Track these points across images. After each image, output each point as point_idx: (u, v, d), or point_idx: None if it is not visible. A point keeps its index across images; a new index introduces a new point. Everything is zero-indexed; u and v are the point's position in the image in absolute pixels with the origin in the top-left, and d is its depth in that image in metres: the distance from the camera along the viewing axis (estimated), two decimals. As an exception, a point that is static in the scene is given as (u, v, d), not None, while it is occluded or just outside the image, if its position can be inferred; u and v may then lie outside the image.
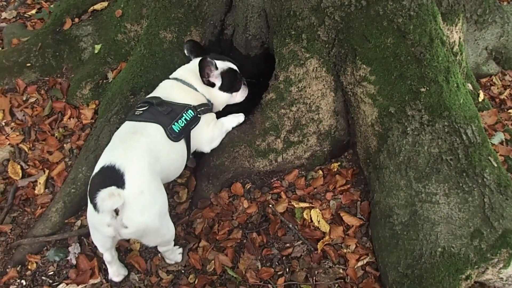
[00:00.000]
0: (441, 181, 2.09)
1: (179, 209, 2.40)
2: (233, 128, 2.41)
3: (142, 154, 1.90)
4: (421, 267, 2.01)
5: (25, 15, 3.61)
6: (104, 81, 2.66)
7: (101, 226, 1.79)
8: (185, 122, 2.10)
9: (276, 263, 2.23)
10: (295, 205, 2.39)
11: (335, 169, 2.54)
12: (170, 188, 2.48)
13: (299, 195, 2.45)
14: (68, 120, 2.63)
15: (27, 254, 2.19)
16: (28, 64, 2.80)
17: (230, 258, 2.22)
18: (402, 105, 2.15)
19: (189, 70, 2.28)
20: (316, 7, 2.25)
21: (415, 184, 2.13)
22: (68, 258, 2.20)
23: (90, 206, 1.78)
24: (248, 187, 2.49)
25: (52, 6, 3.56)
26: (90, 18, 2.90)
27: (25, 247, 2.20)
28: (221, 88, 2.34)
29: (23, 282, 2.13)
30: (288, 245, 2.29)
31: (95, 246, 2.23)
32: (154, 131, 2.01)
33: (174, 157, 2.10)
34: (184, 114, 2.11)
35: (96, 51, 2.75)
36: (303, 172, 2.54)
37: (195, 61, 2.25)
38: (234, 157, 2.42)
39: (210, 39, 2.70)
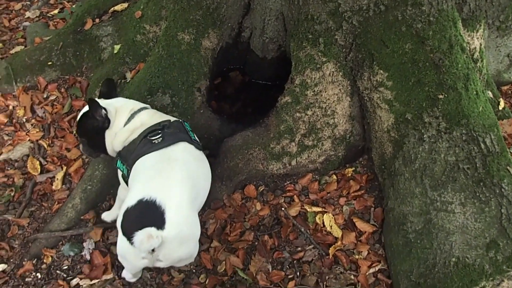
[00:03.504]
0: (457, 190, 2.05)
1: (192, 209, 2.42)
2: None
3: (181, 185, 1.85)
4: (434, 276, 1.98)
5: (48, 14, 3.70)
6: (123, 80, 2.70)
7: (134, 259, 1.78)
8: (191, 131, 2.11)
9: (287, 266, 2.22)
10: (308, 209, 2.38)
11: (349, 174, 2.52)
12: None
13: (312, 199, 2.45)
14: (87, 118, 2.68)
15: (43, 248, 2.24)
16: (50, 63, 2.86)
17: (242, 259, 2.23)
18: (419, 111, 2.13)
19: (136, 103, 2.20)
20: (334, 11, 2.24)
21: (430, 192, 2.10)
22: (83, 253, 2.24)
23: (123, 238, 1.73)
24: (261, 189, 2.49)
25: (74, 6, 3.64)
26: (110, 18, 2.95)
27: (41, 241, 2.24)
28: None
29: (38, 275, 2.18)
30: (299, 249, 2.28)
31: (110, 243, 2.27)
32: (183, 150, 1.98)
33: (206, 173, 2.08)
34: (186, 126, 2.11)
35: (115, 51, 2.79)
36: (316, 176, 2.53)
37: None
38: (248, 159, 2.42)
39: (227, 42, 2.72)
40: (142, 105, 2.17)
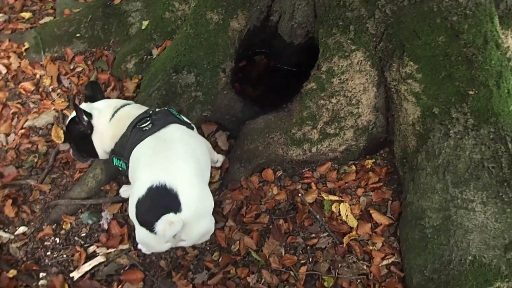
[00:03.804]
0: (479, 188, 2.02)
1: (210, 188, 2.44)
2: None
3: (185, 162, 1.83)
4: (449, 273, 1.97)
5: (79, -13, 3.72)
6: (149, 57, 2.71)
7: (157, 245, 1.80)
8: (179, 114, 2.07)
9: (300, 251, 2.23)
10: (325, 197, 2.38)
11: (369, 166, 2.50)
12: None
13: (330, 187, 2.44)
14: (111, 91, 2.71)
15: (63, 214, 2.29)
16: (78, 35, 2.89)
17: (255, 241, 2.25)
18: (447, 106, 2.09)
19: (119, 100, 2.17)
20: (367, -1, 2.21)
21: (451, 189, 2.07)
22: (101, 222, 2.28)
23: (141, 228, 1.72)
24: (279, 174, 2.49)
25: (104, -20, 3.64)
26: (140, -6, 2.96)
27: (61, 207, 2.30)
28: None
29: (57, 240, 2.23)
30: (313, 235, 2.28)
31: (127, 214, 2.31)
32: (176, 130, 1.96)
33: (204, 150, 2.05)
34: (172, 111, 2.07)
35: (143, 27, 2.80)
36: (335, 165, 2.52)
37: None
38: (268, 143, 2.42)
39: (255, 24, 2.70)
40: (126, 102, 2.13)
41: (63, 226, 2.27)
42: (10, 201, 2.31)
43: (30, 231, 2.25)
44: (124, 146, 1.93)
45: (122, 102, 2.12)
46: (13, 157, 2.49)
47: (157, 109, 2.03)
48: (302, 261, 2.19)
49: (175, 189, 1.69)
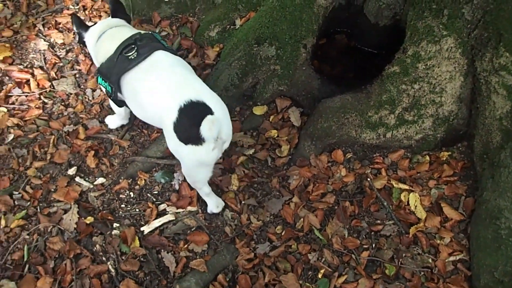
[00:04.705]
0: None
1: (278, 162, 2.47)
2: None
3: (193, 77, 2.01)
4: (522, 278, 1.88)
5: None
6: (232, 26, 2.74)
7: (207, 155, 1.90)
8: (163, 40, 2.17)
9: (364, 236, 2.22)
10: (394, 185, 2.33)
11: (444, 158, 2.41)
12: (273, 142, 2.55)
13: (400, 176, 2.38)
14: (193, 58, 2.77)
15: (138, 170, 2.41)
16: (166, 0, 2.96)
17: (319, 220, 2.26)
18: (543, 103, 1.95)
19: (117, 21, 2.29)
20: (467, -17, 2.09)
21: (536, 191, 1.95)
22: (172, 182, 2.38)
23: (188, 147, 1.86)
24: (348, 156, 2.47)
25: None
26: (230, -35, 2.97)
27: (138, 163, 2.42)
28: None
29: (131, 194, 2.36)
30: (378, 221, 2.25)
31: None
32: (164, 55, 2.04)
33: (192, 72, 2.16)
34: (156, 36, 2.15)
35: (229, -4, 2.83)
36: (408, 154, 2.45)
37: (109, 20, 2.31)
38: (343, 123, 2.39)
39: (340, 2, 2.64)
40: (115, 24, 2.24)
41: (138, 182, 2.39)
42: (92, 152, 2.46)
43: (108, 183, 2.39)
44: (111, 71, 2.05)
45: (111, 24, 2.23)
46: (98, 111, 2.64)
47: (142, 32, 2.13)
48: (365, 246, 2.18)
49: (201, 99, 1.86)
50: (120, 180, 2.40)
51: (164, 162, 2.41)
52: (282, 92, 2.62)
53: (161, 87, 1.96)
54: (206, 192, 2.21)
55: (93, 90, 2.74)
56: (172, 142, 1.92)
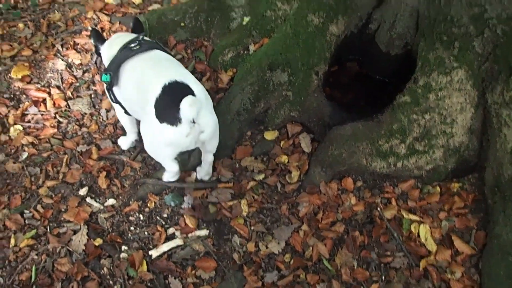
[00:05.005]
0: None
1: (288, 188, 2.47)
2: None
3: (183, 69, 2.18)
4: (536, 317, 1.84)
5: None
6: (245, 52, 2.78)
7: (180, 138, 1.96)
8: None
9: (373, 267, 2.19)
10: (404, 215, 2.31)
11: (455, 189, 2.38)
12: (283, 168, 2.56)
13: (410, 206, 2.36)
14: (206, 81, 2.82)
15: (149, 192, 2.42)
16: (182, 24, 3.02)
17: (328, 249, 2.24)
18: (556, 139, 1.94)
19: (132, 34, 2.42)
20: (478, 17, 2.11)
21: (549, 228, 1.92)
22: (182, 206, 2.39)
23: (162, 125, 1.92)
24: (359, 184, 2.46)
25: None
26: (246, -9, 3.03)
27: (148, 186, 2.43)
28: None
29: (141, 216, 2.37)
30: (388, 253, 2.23)
31: (208, 201, 2.39)
32: (161, 52, 2.26)
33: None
34: (158, 43, 2.38)
35: (243, 23, 2.88)
36: (419, 184, 2.43)
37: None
38: (353, 151, 2.39)
39: (352, 31, 2.67)
40: (126, 36, 2.39)
41: (148, 204, 2.40)
42: (104, 173, 2.48)
43: (118, 204, 2.41)
44: (113, 62, 2.24)
45: (125, 36, 2.39)
46: (111, 132, 2.68)
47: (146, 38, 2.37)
48: (374, 278, 2.15)
49: (186, 82, 1.99)
50: (131, 202, 2.41)
51: (174, 185, 2.43)
52: (294, 118, 2.64)
53: (153, 69, 2.13)
54: (175, 169, 2.30)
55: (108, 111, 2.78)
56: (148, 120, 2.01)
